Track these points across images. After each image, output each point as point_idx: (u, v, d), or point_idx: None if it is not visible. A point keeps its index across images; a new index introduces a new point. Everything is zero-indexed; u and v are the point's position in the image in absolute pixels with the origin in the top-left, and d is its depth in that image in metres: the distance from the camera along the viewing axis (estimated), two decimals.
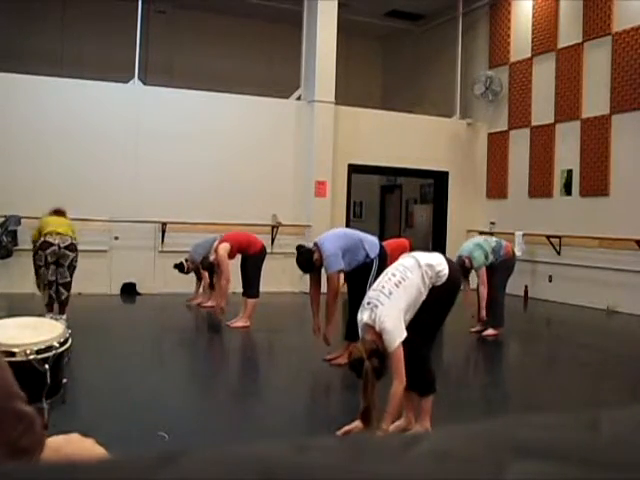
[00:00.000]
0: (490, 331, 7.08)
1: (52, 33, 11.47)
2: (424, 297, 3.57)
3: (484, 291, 6.88)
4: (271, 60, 12.70)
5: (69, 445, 1.02)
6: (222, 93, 10.43)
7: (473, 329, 7.26)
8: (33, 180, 9.25)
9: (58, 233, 6.56)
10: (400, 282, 3.51)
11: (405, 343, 3.69)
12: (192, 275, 9.02)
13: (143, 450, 0.33)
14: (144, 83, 10.23)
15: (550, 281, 10.42)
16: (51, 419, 2.30)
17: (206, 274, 8.55)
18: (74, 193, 9.43)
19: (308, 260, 5.53)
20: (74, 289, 9.29)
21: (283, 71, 11.97)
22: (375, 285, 3.66)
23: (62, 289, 6.68)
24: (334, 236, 5.66)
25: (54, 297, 6.66)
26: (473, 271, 7.00)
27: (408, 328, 3.62)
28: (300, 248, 5.76)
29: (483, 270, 6.88)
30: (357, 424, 3.48)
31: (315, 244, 5.57)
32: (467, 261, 6.87)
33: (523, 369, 6.08)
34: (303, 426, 3.99)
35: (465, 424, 0.36)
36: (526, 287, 10.61)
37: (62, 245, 6.55)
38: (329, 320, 5.58)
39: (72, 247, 6.64)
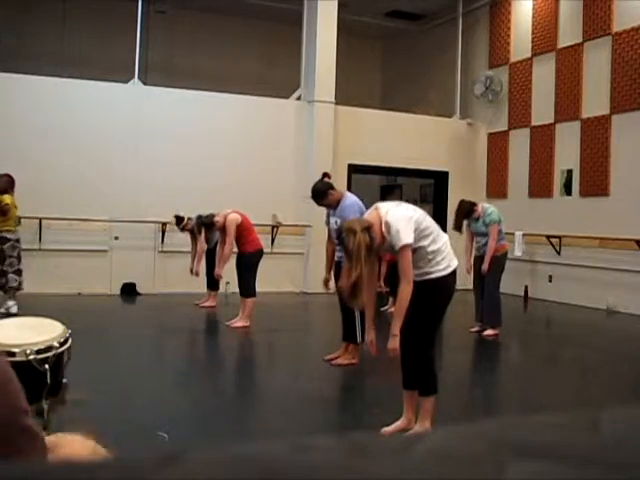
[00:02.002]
0: (489, 331, 7.09)
1: (52, 33, 11.47)
2: (423, 246, 3.60)
3: (492, 244, 6.98)
4: (271, 60, 12.70)
5: (70, 444, 1.02)
6: (222, 93, 10.43)
7: (472, 329, 7.27)
8: (33, 180, 9.24)
9: (14, 231, 7.36)
10: (427, 216, 3.71)
11: (409, 344, 3.69)
12: (188, 267, 8.92)
13: (143, 450, 0.33)
14: (144, 83, 10.23)
15: (550, 281, 10.42)
16: (51, 419, 2.30)
17: (202, 239, 8.32)
18: (74, 193, 9.44)
19: (322, 190, 5.46)
20: (74, 289, 9.36)
21: (283, 71, 11.96)
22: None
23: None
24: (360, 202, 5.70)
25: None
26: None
27: (410, 330, 3.63)
28: (324, 176, 5.74)
29: (495, 227, 7.02)
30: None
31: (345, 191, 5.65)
32: (480, 208, 7.12)
33: (523, 369, 6.08)
34: (303, 426, 3.99)
35: (465, 424, 0.36)
36: (526, 287, 10.62)
37: (14, 239, 7.36)
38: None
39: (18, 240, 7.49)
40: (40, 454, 0.93)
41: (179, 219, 8.70)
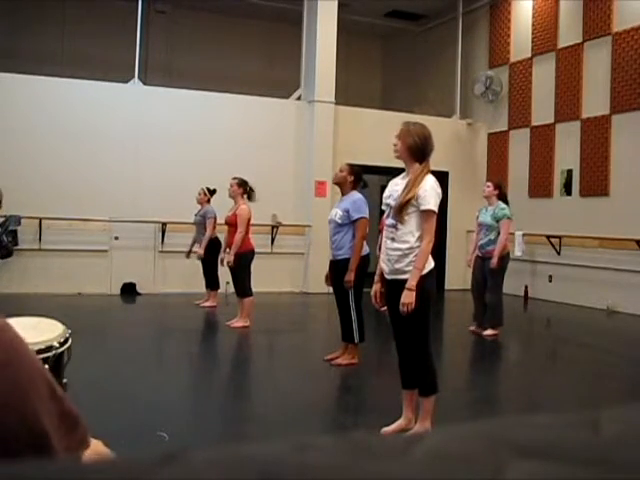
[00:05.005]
0: (489, 331, 7.08)
1: (52, 33, 11.47)
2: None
3: (503, 238, 7.07)
4: (271, 60, 12.70)
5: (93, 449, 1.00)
6: (222, 93, 10.43)
7: (473, 329, 7.26)
8: (33, 180, 9.25)
9: None
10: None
11: (406, 343, 3.68)
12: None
13: (143, 450, 0.33)
14: (144, 83, 10.23)
15: (550, 281, 10.42)
16: None
17: (212, 223, 8.31)
18: (74, 193, 9.44)
19: (359, 171, 6.06)
20: (74, 289, 9.36)
21: (283, 71, 11.96)
22: None
23: None
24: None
25: None
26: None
27: (404, 329, 3.63)
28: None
29: (506, 222, 7.11)
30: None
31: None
32: (496, 197, 7.28)
33: (523, 369, 6.08)
34: (303, 426, 3.99)
35: (465, 424, 0.36)
36: (526, 287, 10.61)
37: None
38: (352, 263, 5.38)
39: None
40: (78, 444, 0.91)
41: (212, 191, 8.59)
